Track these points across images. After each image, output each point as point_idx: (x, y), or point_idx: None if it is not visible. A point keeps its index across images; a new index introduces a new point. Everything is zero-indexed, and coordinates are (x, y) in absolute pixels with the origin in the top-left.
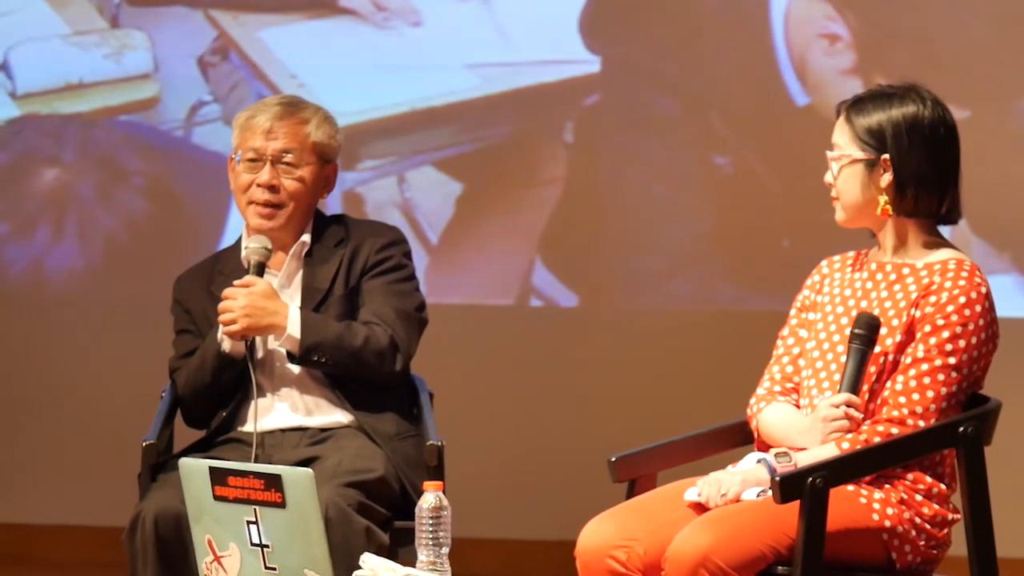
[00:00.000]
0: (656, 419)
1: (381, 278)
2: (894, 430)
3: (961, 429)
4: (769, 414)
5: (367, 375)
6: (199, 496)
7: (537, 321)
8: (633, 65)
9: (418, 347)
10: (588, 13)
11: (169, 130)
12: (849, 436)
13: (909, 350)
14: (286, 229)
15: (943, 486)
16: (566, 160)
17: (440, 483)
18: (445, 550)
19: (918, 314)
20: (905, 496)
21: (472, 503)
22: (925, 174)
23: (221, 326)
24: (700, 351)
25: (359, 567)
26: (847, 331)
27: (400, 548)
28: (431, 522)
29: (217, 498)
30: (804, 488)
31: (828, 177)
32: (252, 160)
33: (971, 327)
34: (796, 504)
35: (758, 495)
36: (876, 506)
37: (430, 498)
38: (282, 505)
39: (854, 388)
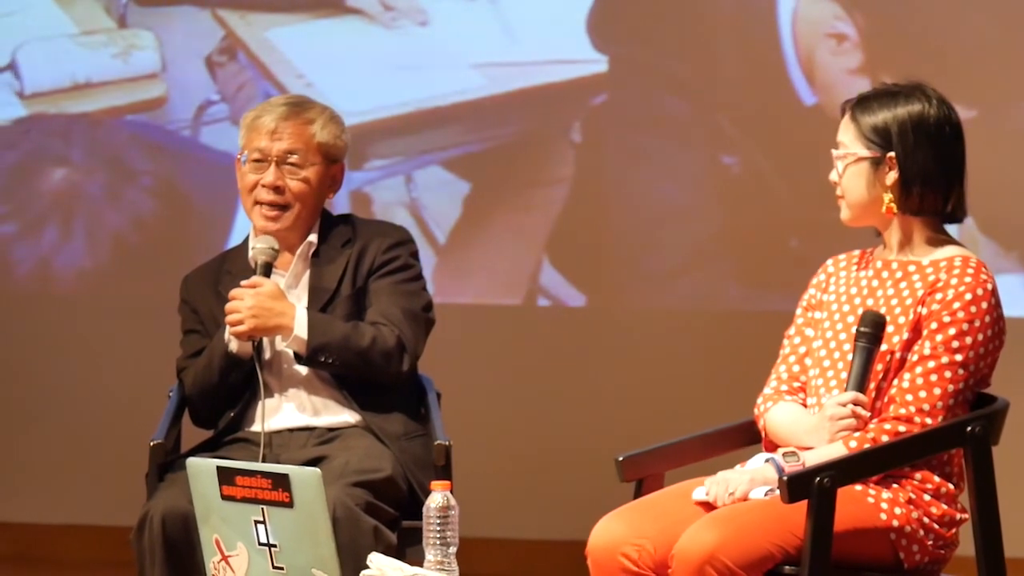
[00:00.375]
0: (663, 419)
1: (388, 278)
2: (901, 428)
3: (969, 429)
4: (776, 413)
5: (374, 375)
6: (207, 496)
7: (545, 321)
8: (641, 65)
9: (425, 347)
10: (596, 13)
11: (177, 130)
12: (856, 434)
13: (916, 347)
14: (292, 229)
15: (951, 486)
16: (574, 160)
17: (448, 483)
18: (453, 550)
19: (924, 311)
20: (913, 496)
21: (479, 503)
22: (930, 172)
23: (228, 327)
24: (708, 351)
25: (367, 567)
26: (853, 330)
27: (408, 548)
28: (439, 522)
29: (225, 498)
30: (812, 488)
31: (833, 175)
32: (257, 161)
33: (977, 324)
34: (804, 503)
35: (766, 494)
36: (884, 506)
37: (438, 498)
38: (290, 505)
39: (861, 386)
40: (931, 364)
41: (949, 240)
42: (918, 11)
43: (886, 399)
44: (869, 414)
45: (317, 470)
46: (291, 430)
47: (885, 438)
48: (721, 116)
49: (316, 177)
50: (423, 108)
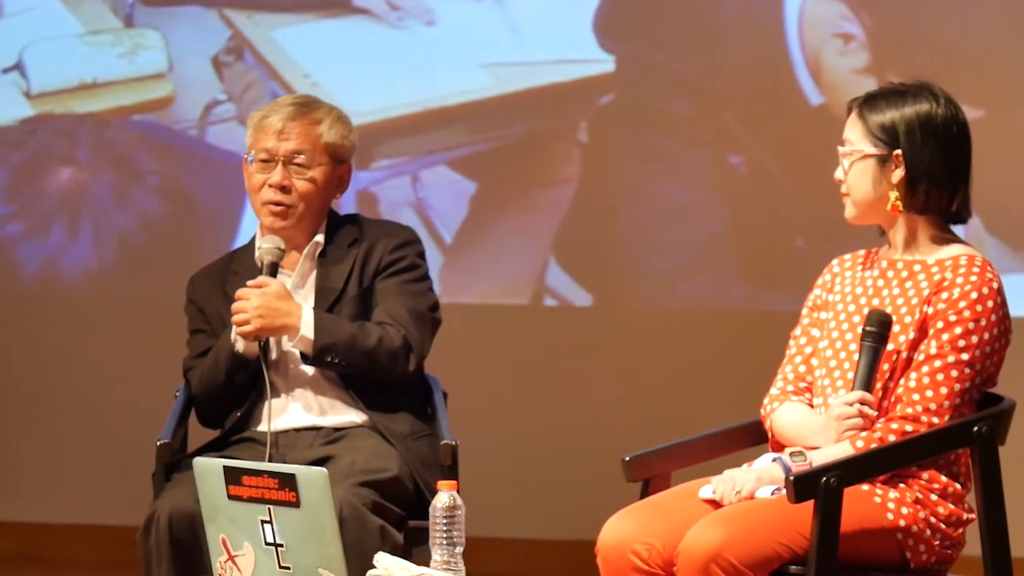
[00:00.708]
0: (670, 419)
1: (394, 278)
2: (908, 427)
3: (975, 429)
4: (783, 414)
5: (380, 375)
6: (213, 495)
7: (551, 321)
8: (647, 64)
9: (432, 346)
10: (602, 12)
11: (183, 129)
12: (863, 434)
13: (922, 347)
14: (299, 229)
15: (958, 485)
16: (580, 160)
17: (454, 482)
18: (459, 549)
19: (930, 311)
20: (920, 495)
21: (486, 502)
22: (937, 171)
23: (234, 327)
24: (714, 351)
25: (373, 566)
26: (859, 329)
27: (414, 547)
28: (445, 521)
29: (231, 497)
30: (818, 488)
31: (839, 173)
32: (264, 161)
33: (983, 323)
34: (810, 503)
35: (772, 493)
36: (891, 505)
37: (444, 497)
38: (296, 504)
39: (867, 386)
40: (937, 363)
41: (955, 239)
42: (925, 11)
43: (893, 399)
44: (876, 413)
45: (324, 470)
46: (298, 430)
47: (892, 438)
48: (728, 116)
49: (323, 177)
50: (430, 108)
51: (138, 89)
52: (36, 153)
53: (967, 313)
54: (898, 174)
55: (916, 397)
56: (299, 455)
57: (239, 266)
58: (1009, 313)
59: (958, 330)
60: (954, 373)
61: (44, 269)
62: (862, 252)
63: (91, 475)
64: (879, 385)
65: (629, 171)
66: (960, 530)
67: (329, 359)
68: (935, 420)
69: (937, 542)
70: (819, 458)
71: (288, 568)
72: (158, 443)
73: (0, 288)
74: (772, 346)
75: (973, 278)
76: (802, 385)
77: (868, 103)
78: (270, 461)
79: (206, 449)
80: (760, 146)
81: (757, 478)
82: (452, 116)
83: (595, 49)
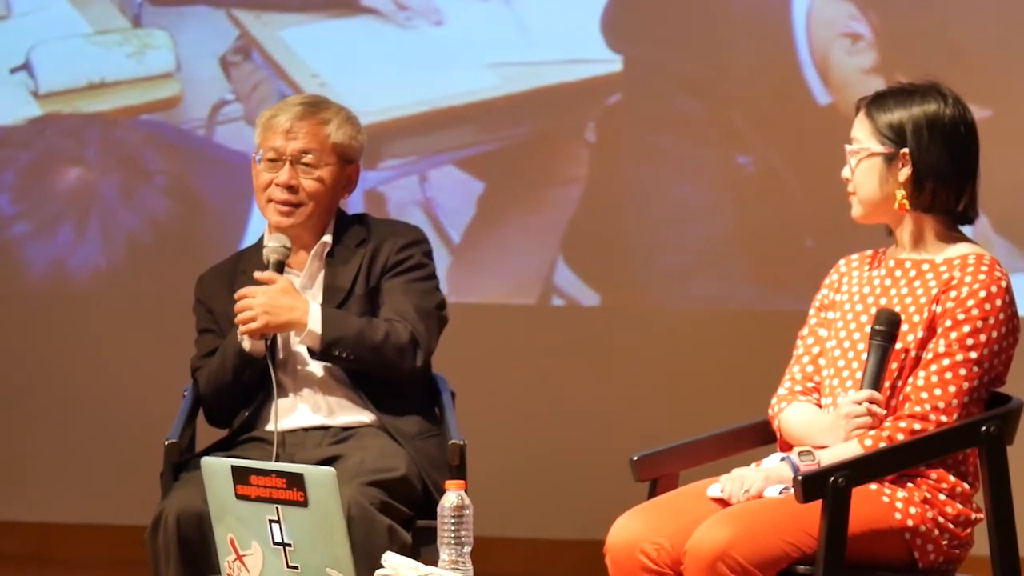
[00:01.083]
0: (678, 418)
1: (401, 277)
2: (917, 426)
3: (984, 428)
4: (791, 413)
5: (388, 371)
6: (221, 495)
7: (559, 320)
8: (655, 64)
9: (439, 345)
10: (610, 12)
11: (191, 129)
12: (872, 433)
13: (930, 345)
14: (306, 228)
15: (966, 485)
16: (588, 159)
17: (462, 482)
18: (467, 549)
19: (939, 309)
20: (928, 495)
21: (494, 502)
22: (944, 170)
23: (240, 325)
24: (722, 350)
25: (381, 566)
26: (867, 329)
27: (422, 547)
28: (453, 521)
29: (239, 497)
30: (826, 487)
31: (845, 172)
32: (272, 160)
33: (991, 321)
34: (818, 503)
35: (780, 492)
36: (899, 505)
37: (452, 497)
38: (304, 504)
39: (876, 385)
40: (946, 362)
41: (961, 237)
42: (932, 10)
43: (901, 397)
44: (884, 412)
45: (332, 469)
46: (306, 429)
47: (900, 436)
48: (735, 116)
49: (330, 177)
50: (438, 107)
51: (146, 89)
52: (44, 153)
53: (975, 312)
54: (905, 172)
55: (924, 396)
56: (307, 455)
57: (247, 265)
58: (1017, 312)
59: (966, 328)
60: (962, 371)
61: (52, 269)
62: (869, 252)
63: (99, 475)
64: (887, 384)
65: (637, 171)
66: (968, 530)
67: (337, 353)
68: (943, 418)
69: (945, 542)
70: (828, 457)
71: (296, 568)
72: (166, 443)
73: (8, 288)
74: (780, 346)
75: (981, 277)
76: (810, 385)
77: (876, 102)
78: (278, 461)
79: (214, 449)
80: (768, 146)
81: (765, 477)
82: (460, 116)
83: (603, 49)
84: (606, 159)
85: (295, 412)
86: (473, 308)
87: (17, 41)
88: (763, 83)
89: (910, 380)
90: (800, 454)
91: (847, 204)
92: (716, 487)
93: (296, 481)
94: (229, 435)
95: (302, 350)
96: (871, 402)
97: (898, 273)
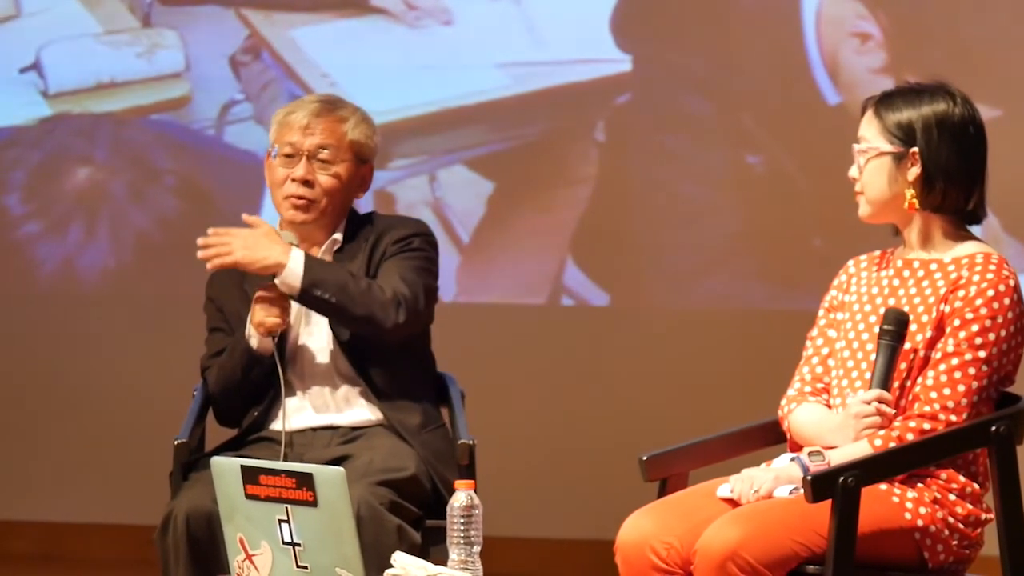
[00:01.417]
0: (687, 418)
1: (396, 256)
2: (926, 425)
3: (993, 428)
4: (800, 414)
5: (371, 323)
6: (231, 495)
7: (568, 320)
8: (665, 64)
9: (449, 344)
10: (619, 12)
11: (200, 129)
12: (881, 432)
13: (939, 345)
14: (319, 225)
15: (976, 485)
16: (597, 159)
17: (472, 482)
18: (476, 549)
19: (947, 309)
20: (938, 495)
21: (503, 502)
22: (953, 169)
23: (250, 325)
24: (731, 350)
25: (391, 566)
26: (876, 329)
27: (432, 547)
28: (462, 521)
29: (249, 497)
30: (836, 487)
31: (853, 171)
32: (288, 155)
33: (1000, 320)
34: (828, 503)
35: (790, 492)
36: (909, 505)
37: (462, 497)
38: (314, 504)
39: (885, 384)
40: (955, 361)
41: (970, 237)
42: (942, 10)
43: (910, 397)
44: (894, 412)
45: (341, 469)
46: (314, 429)
47: (910, 436)
48: (745, 115)
49: (346, 173)
50: (447, 107)
51: (155, 89)
52: (54, 153)
53: (984, 311)
54: (914, 172)
55: (934, 395)
56: (316, 454)
57: None
58: None
59: (975, 328)
60: (971, 371)
61: (62, 268)
62: (877, 253)
63: (108, 474)
64: (896, 384)
65: (646, 171)
66: (978, 530)
67: (319, 293)
68: (953, 418)
69: (955, 542)
70: (837, 457)
71: (305, 567)
72: (176, 442)
73: (18, 287)
74: (789, 345)
75: (990, 276)
76: (819, 386)
77: (884, 101)
78: (286, 460)
79: (223, 448)
80: (777, 146)
81: (775, 477)
82: (469, 116)
83: (612, 49)
84: (615, 159)
85: (304, 411)
86: (482, 308)
87: (27, 41)
88: (772, 83)
89: (919, 380)
90: (810, 454)
91: (856, 204)
92: (726, 487)
93: (305, 481)
94: (238, 435)
95: (311, 348)
96: (880, 402)
97: (906, 273)
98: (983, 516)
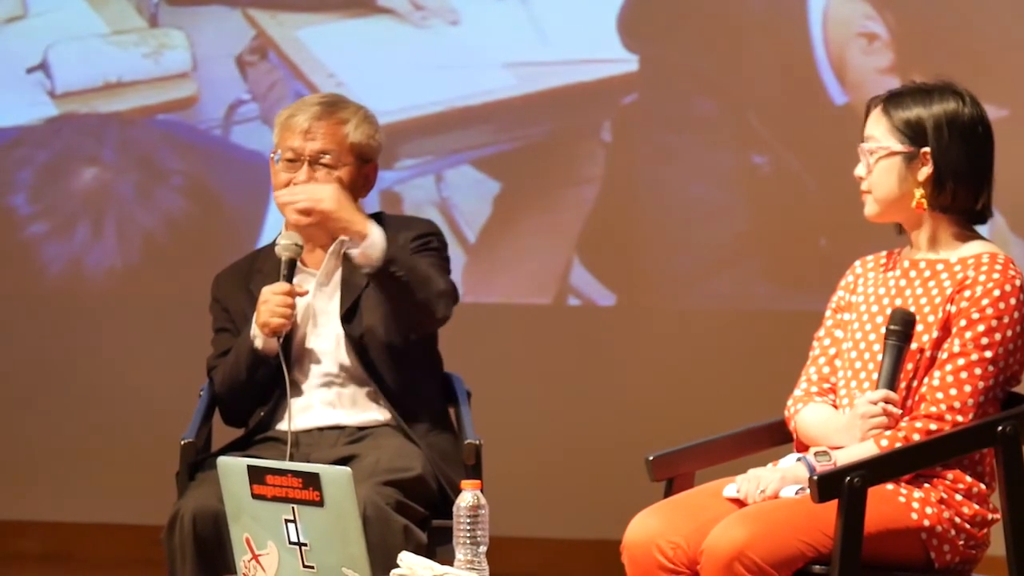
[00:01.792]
0: (694, 418)
1: (421, 252)
2: (933, 426)
3: (1000, 428)
4: (807, 414)
5: (425, 311)
6: (237, 494)
7: (575, 320)
8: (671, 64)
9: (455, 345)
10: (626, 12)
11: (207, 129)
12: (888, 433)
13: (945, 345)
14: (324, 227)
15: (983, 485)
16: (604, 159)
17: (478, 482)
18: (483, 549)
19: (953, 309)
20: (945, 495)
21: (509, 502)
22: (963, 169)
23: (254, 325)
24: (738, 350)
25: (397, 565)
26: (882, 330)
27: (438, 547)
28: (469, 521)
29: (255, 496)
30: (842, 487)
31: (859, 170)
32: (291, 160)
33: (1006, 320)
34: (835, 503)
35: (796, 493)
36: (915, 505)
37: (468, 497)
38: (320, 504)
39: (891, 385)
40: (961, 361)
41: (977, 237)
42: (948, 10)
43: (917, 397)
44: (900, 412)
45: (347, 469)
46: (321, 429)
47: (916, 436)
48: (751, 116)
49: (348, 177)
50: (454, 107)
51: (162, 89)
52: (61, 153)
53: (990, 311)
54: (925, 172)
55: (940, 395)
56: (323, 454)
57: (264, 265)
58: None
59: (981, 328)
60: (977, 371)
61: (69, 268)
62: (884, 253)
63: (115, 474)
64: (903, 384)
65: (653, 171)
66: (985, 530)
67: (394, 270)
68: (959, 418)
69: (961, 542)
70: (844, 457)
71: (312, 567)
72: (182, 442)
73: (25, 287)
74: (796, 346)
75: (996, 276)
76: (826, 386)
77: (893, 100)
78: (293, 460)
79: (230, 448)
80: (784, 146)
81: (781, 477)
82: (476, 116)
83: (619, 49)
84: (622, 159)
85: (310, 411)
86: (489, 308)
87: (34, 41)
88: (779, 83)
89: (925, 380)
90: (816, 454)
91: (862, 204)
92: (732, 487)
93: (312, 481)
94: (245, 434)
95: (318, 348)
96: (887, 402)
97: (913, 274)
98: (989, 516)
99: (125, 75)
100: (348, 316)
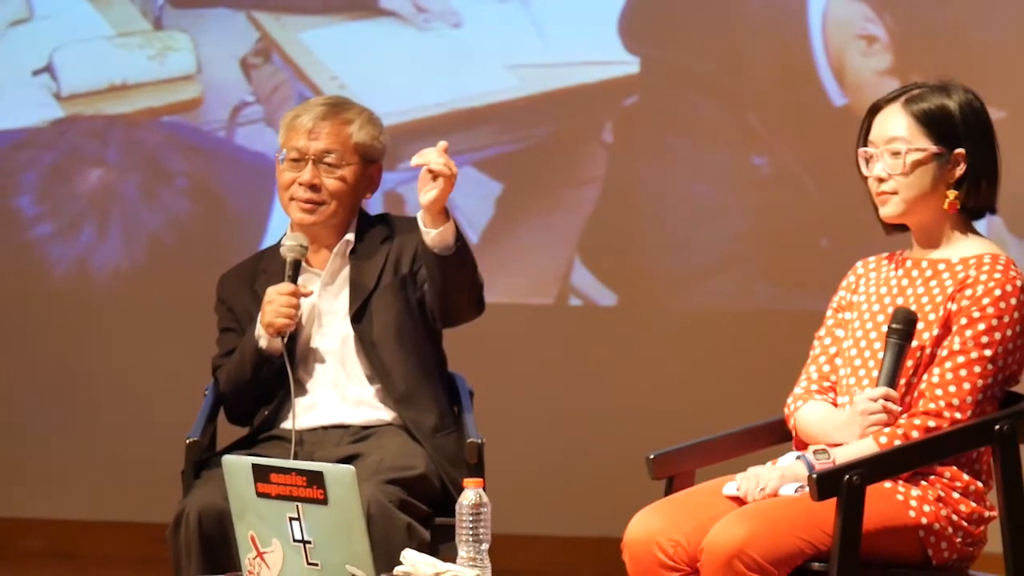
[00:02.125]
0: (694, 417)
1: None
2: (931, 423)
3: (997, 427)
4: (806, 412)
5: (477, 298)
6: (242, 493)
7: (576, 320)
8: (672, 66)
9: (458, 344)
10: (627, 14)
11: (212, 131)
12: (887, 430)
13: (945, 343)
14: (328, 227)
15: (980, 483)
16: (605, 160)
17: (480, 480)
18: (485, 546)
19: (954, 307)
20: (942, 493)
21: (512, 500)
22: (992, 168)
23: (259, 325)
24: (738, 350)
25: (400, 563)
26: (884, 329)
27: (441, 544)
28: (471, 518)
29: (260, 495)
30: (841, 485)
31: (879, 170)
32: (295, 160)
33: (1006, 319)
34: (833, 500)
35: (796, 491)
36: (913, 503)
37: (470, 495)
38: (324, 502)
39: (891, 382)
40: (960, 359)
41: (979, 237)
42: (948, 12)
43: (916, 395)
44: (900, 409)
45: (351, 467)
46: (325, 428)
47: (915, 433)
48: (751, 117)
49: (352, 176)
50: (456, 109)
51: (167, 91)
52: (66, 154)
53: (990, 310)
54: (959, 172)
55: (939, 392)
56: (327, 453)
57: (268, 265)
58: None
59: (981, 327)
60: (976, 369)
61: (74, 269)
62: (886, 254)
63: (121, 472)
64: (903, 381)
65: (654, 172)
66: (982, 528)
67: (462, 257)
68: (957, 415)
69: (959, 540)
70: (843, 455)
71: (316, 565)
72: (187, 441)
73: (31, 288)
74: (796, 346)
75: (997, 275)
76: (826, 384)
77: (915, 101)
78: (296, 459)
79: (234, 447)
80: (784, 147)
81: (781, 475)
82: (478, 117)
83: (620, 51)
84: (623, 160)
85: (314, 410)
86: (491, 308)
87: (39, 43)
88: (779, 84)
89: (925, 377)
90: (815, 452)
91: (862, 204)
92: (732, 485)
93: (316, 479)
94: (249, 433)
95: (323, 348)
96: (887, 399)
97: (915, 273)
98: (986, 514)
99: (130, 77)
100: (358, 317)
